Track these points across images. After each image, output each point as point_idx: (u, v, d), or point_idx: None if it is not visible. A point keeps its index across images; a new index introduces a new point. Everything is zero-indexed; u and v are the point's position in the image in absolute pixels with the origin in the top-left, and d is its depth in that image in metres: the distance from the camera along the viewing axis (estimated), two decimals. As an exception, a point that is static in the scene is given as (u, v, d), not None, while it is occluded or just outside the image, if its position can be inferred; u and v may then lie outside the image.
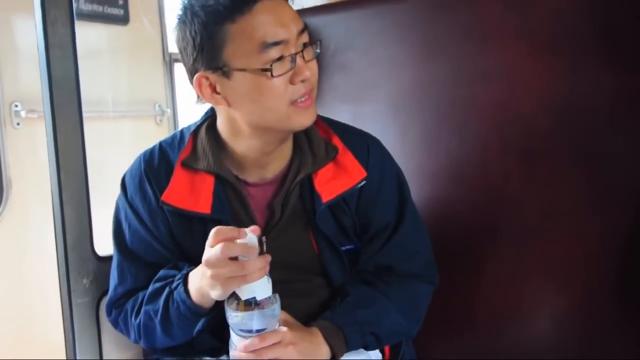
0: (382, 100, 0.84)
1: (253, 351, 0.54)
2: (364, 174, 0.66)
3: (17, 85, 1.37)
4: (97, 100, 1.53)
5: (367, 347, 0.66)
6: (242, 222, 0.62)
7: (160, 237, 0.67)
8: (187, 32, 0.59)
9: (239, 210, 0.67)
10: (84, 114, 0.77)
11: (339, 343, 0.62)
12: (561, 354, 0.71)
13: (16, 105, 1.38)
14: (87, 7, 1.58)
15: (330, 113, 0.85)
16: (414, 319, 0.69)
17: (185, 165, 0.65)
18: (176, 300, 0.60)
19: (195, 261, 0.59)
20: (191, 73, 0.62)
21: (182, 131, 0.71)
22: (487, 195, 0.77)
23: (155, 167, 0.68)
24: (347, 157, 0.67)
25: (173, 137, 0.71)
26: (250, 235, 0.52)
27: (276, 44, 0.57)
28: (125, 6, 1.69)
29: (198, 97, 0.63)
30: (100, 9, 1.63)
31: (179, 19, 0.62)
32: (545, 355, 0.71)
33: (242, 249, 0.51)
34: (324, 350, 0.60)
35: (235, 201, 0.67)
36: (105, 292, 0.72)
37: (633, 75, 0.69)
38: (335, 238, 0.67)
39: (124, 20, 1.69)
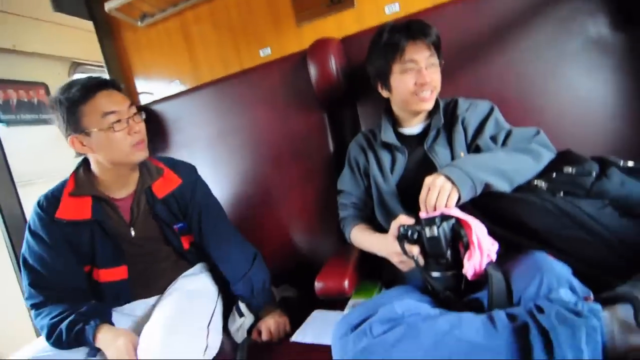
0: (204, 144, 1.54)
1: None
2: (179, 181, 1.14)
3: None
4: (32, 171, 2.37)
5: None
6: (113, 220, 1.03)
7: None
8: (59, 114, 0.94)
9: (111, 214, 1.04)
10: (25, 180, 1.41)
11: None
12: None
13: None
14: (30, 117, 2.50)
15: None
16: None
17: (71, 194, 1.01)
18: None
19: (85, 256, 0.97)
20: (66, 137, 0.95)
21: (53, 190, 1.05)
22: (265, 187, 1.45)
23: (45, 207, 1.02)
24: (170, 175, 1.14)
25: (50, 192, 1.05)
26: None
27: (112, 112, 0.94)
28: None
29: (76, 152, 1.00)
30: (37, 117, 2.47)
31: (50, 107, 0.93)
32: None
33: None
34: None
35: (108, 209, 1.05)
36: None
37: (311, 115, 1.39)
38: (170, 220, 1.12)
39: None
